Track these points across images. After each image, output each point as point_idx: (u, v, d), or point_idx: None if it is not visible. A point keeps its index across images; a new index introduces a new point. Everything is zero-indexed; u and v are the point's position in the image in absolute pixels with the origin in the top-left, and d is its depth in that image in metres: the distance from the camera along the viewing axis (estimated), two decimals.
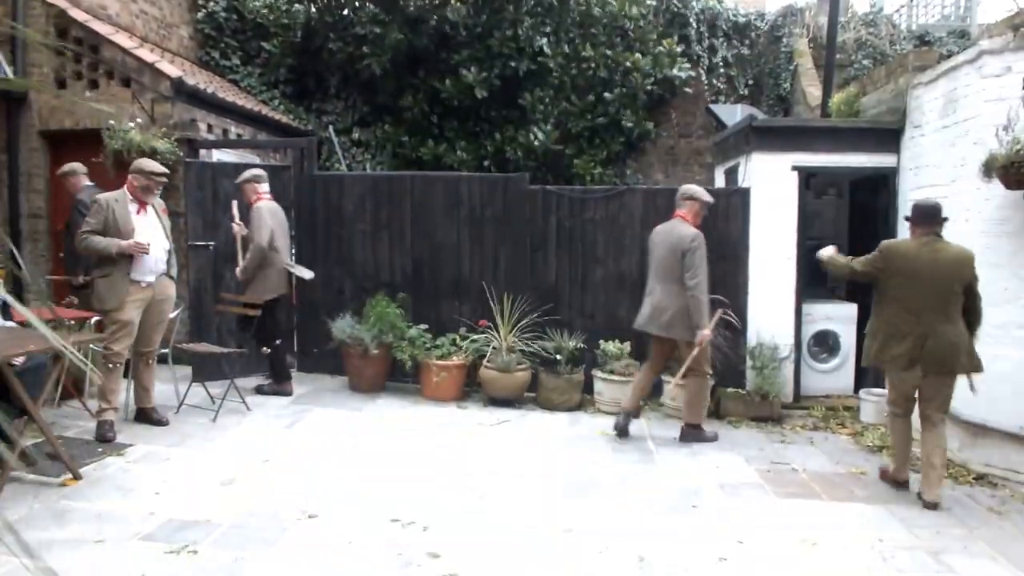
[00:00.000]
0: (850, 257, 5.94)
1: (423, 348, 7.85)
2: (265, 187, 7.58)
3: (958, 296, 5.33)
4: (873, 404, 7.57)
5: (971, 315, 5.42)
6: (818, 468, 6.17)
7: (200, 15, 11.81)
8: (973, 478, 6.02)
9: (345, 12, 12.00)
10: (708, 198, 6.69)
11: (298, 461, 5.78)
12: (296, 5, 12.03)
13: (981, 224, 6.28)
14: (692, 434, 6.80)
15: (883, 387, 7.72)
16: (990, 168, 5.87)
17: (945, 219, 5.62)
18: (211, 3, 11.85)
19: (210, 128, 9.35)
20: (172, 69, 8.83)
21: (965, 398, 6.33)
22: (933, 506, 5.31)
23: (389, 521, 4.69)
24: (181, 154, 8.36)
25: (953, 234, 6.62)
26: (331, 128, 11.62)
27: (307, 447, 6.14)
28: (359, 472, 5.59)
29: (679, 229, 6.53)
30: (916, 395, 5.57)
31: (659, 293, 6.58)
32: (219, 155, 9.56)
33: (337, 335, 7.93)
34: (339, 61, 11.92)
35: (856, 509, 5.28)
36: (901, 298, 5.42)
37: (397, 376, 8.11)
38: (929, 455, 5.42)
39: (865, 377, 8.14)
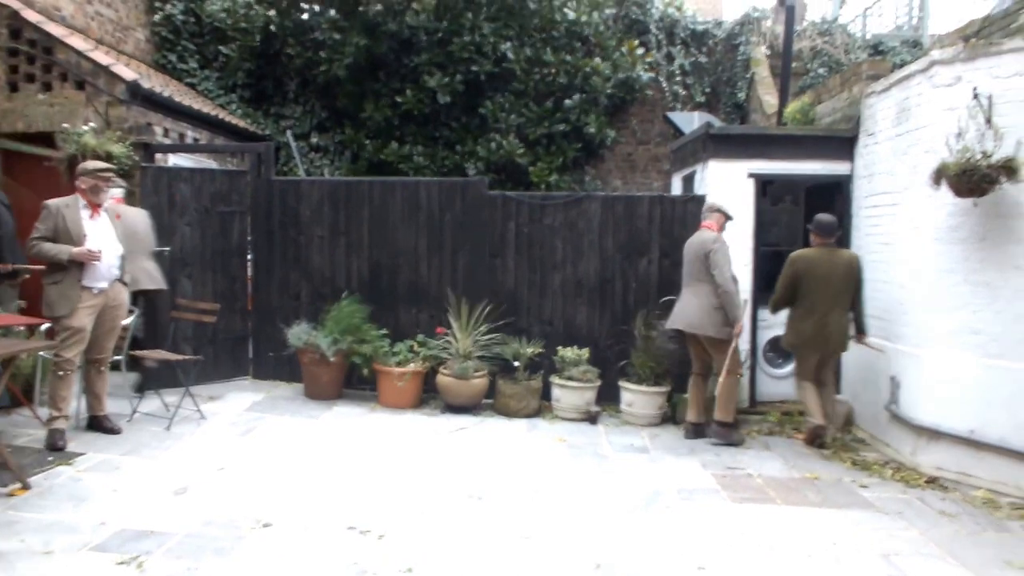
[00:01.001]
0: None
1: (381, 354, 7.82)
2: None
3: (849, 292, 6.84)
4: None
5: (857, 307, 6.98)
6: (773, 473, 6.25)
7: (157, 18, 11.66)
8: (925, 481, 6.13)
9: (305, 17, 11.94)
10: (730, 212, 7.25)
11: (253, 469, 5.73)
12: (255, 9, 11.92)
13: (933, 231, 6.42)
14: (722, 433, 7.01)
15: (840, 393, 7.90)
16: (941, 176, 6.00)
17: (840, 231, 7.21)
18: (168, 6, 11.71)
19: (166, 132, 9.24)
20: (128, 72, 8.71)
21: (918, 403, 6.50)
22: (823, 429, 6.89)
23: (346, 529, 4.67)
24: (137, 158, 8.24)
25: (905, 241, 6.81)
26: (289, 133, 11.55)
27: (262, 455, 6.08)
28: (315, 480, 5.56)
29: (704, 235, 7.04)
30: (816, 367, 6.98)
31: (687, 293, 7.05)
32: (175, 160, 9.46)
33: (293, 341, 7.88)
34: (298, 66, 11.87)
35: (810, 513, 5.36)
36: (809, 295, 6.86)
37: (354, 383, 8.07)
38: (826, 405, 7.02)
39: None
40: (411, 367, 7.78)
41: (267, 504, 5.02)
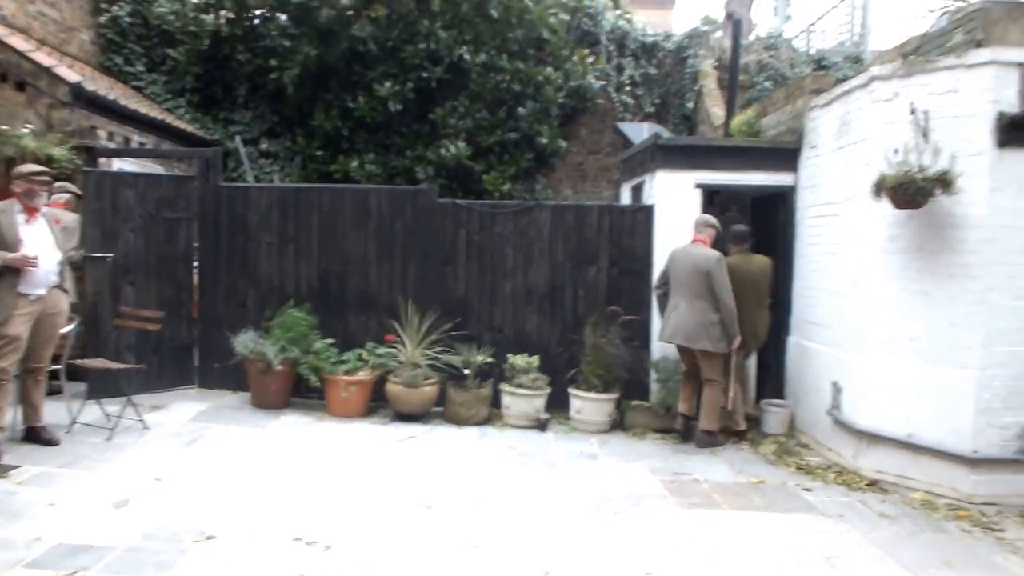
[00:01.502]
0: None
1: (329, 363, 7.75)
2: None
3: (765, 292, 7.48)
4: (774, 415, 7.84)
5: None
6: (719, 478, 6.35)
7: (103, 19, 11.44)
8: (866, 484, 6.28)
9: (256, 22, 11.80)
10: (719, 226, 7.51)
11: (197, 480, 5.63)
12: (204, 15, 11.74)
13: (872, 241, 6.59)
14: (707, 440, 7.21)
15: (783, 398, 8.06)
16: (880, 188, 6.16)
17: (754, 238, 7.78)
18: (115, 7, 11.48)
19: (111, 136, 9.06)
20: (71, 74, 8.53)
21: (858, 408, 6.66)
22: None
23: (292, 540, 4.62)
24: (79, 162, 8.07)
25: (846, 250, 6.98)
26: (238, 139, 11.39)
27: (207, 466, 5.98)
28: (261, 491, 5.48)
29: (702, 251, 7.19)
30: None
31: (684, 308, 7.13)
32: (120, 164, 9.26)
33: (240, 350, 7.77)
34: (248, 72, 11.73)
35: (755, 518, 5.45)
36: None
37: (302, 392, 7.99)
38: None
39: (766, 389, 8.44)
40: (360, 376, 7.73)
41: (211, 516, 4.93)
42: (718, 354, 7.13)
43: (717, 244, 7.38)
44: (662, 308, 7.57)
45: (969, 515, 5.64)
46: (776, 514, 5.53)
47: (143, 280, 8.12)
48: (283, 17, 11.37)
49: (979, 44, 6.55)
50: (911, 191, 5.93)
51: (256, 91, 11.97)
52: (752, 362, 8.36)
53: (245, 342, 7.79)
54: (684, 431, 7.45)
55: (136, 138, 9.66)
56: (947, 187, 5.88)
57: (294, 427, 7.29)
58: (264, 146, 11.85)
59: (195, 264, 8.55)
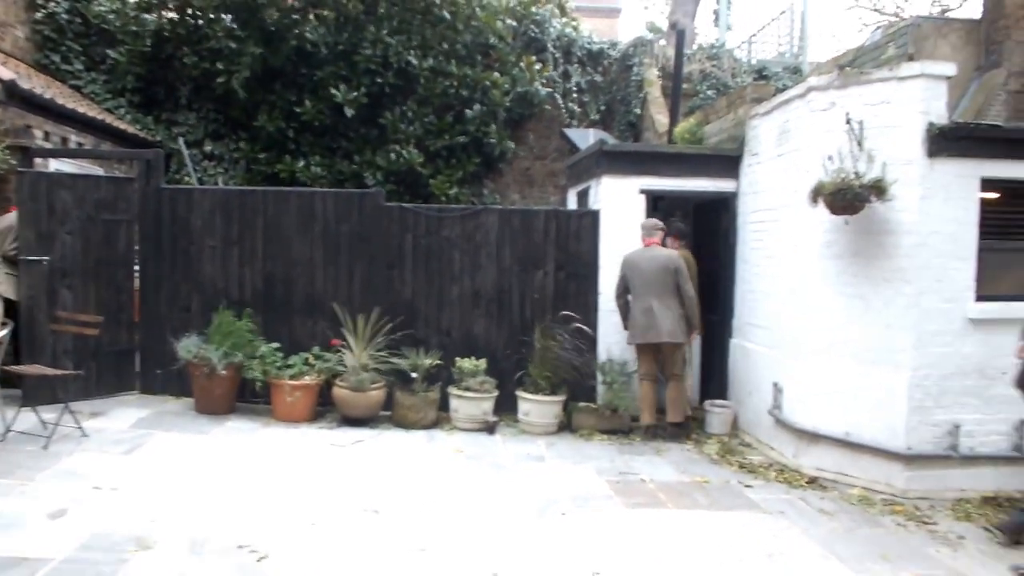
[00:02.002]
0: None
1: (275, 367, 7.67)
2: None
3: (674, 286, 7.47)
4: (717, 415, 8.01)
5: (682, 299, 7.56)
6: (664, 478, 6.45)
7: (39, 15, 11.11)
8: (806, 482, 6.46)
9: (200, 23, 11.60)
10: (666, 228, 7.90)
11: (138, 488, 5.50)
12: (146, 14, 11.51)
13: (810, 246, 6.79)
14: (678, 431, 7.65)
15: (726, 399, 8.23)
16: (818, 194, 6.37)
17: (663, 230, 7.78)
18: (52, 4, 11.17)
19: (47, 136, 8.82)
20: (3, 71, 8.28)
21: (798, 408, 6.84)
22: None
23: (235, 548, 4.56)
24: (14, 163, 7.84)
25: (786, 255, 7.18)
26: (181, 140, 11.19)
27: (148, 473, 5.86)
28: (205, 498, 5.39)
29: (663, 252, 7.62)
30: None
31: (657, 307, 7.44)
32: (57, 165, 9.02)
33: (183, 354, 7.63)
34: (192, 73, 11.53)
35: (699, 516, 5.57)
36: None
37: (247, 397, 7.89)
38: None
39: (710, 390, 8.61)
40: (306, 380, 7.66)
41: (152, 525, 4.84)
42: (682, 346, 7.58)
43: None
44: (625, 314, 7.72)
45: (904, 510, 5.86)
46: (720, 512, 5.65)
47: (81, 284, 7.91)
48: (228, 18, 11.20)
49: (911, 58, 6.82)
50: (847, 198, 6.15)
51: (200, 92, 11.77)
52: (696, 364, 8.54)
53: (188, 347, 7.65)
54: (653, 436, 7.67)
55: (74, 138, 9.42)
56: (881, 194, 6.11)
57: (239, 433, 7.19)
58: (208, 148, 11.66)
59: (136, 268, 8.37)
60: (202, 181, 11.15)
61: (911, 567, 4.80)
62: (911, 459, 6.20)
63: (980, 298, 6.35)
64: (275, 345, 7.88)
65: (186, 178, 10.90)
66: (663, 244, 7.75)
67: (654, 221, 7.83)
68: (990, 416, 6.34)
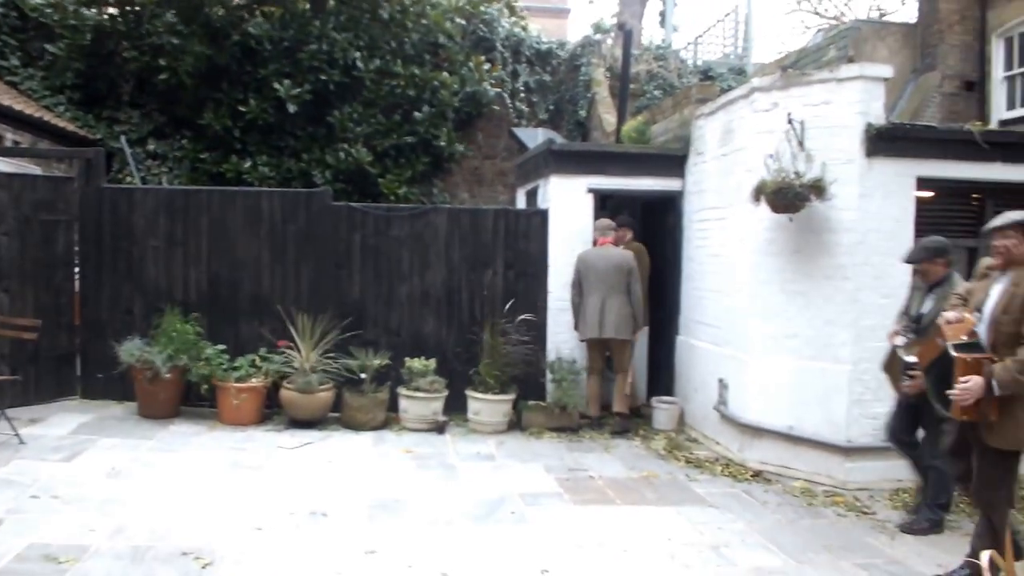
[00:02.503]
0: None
1: (220, 370, 7.56)
2: None
3: (625, 285, 7.66)
4: (664, 411, 8.11)
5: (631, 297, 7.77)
6: (613, 474, 6.53)
7: None
8: (751, 475, 6.58)
9: (141, 18, 11.34)
10: (617, 228, 8.07)
11: (78, 496, 5.36)
12: (85, 9, 11.21)
13: (753, 244, 6.91)
14: (624, 423, 7.89)
15: (673, 395, 8.35)
16: (760, 193, 6.49)
17: (615, 230, 7.95)
18: None
19: None
20: None
21: (743, 403, 6.96)
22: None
23: (179, 555, 4.48)
24: None
25: (730, 253, 7.30)
26: (124, 139, 10.94)
27: (89, 481, 5.71)
28: (147, 504, 5.29)
29: (617, 251, 7.84)
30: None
31: (610, 304, 7.64)
32: None
33: (125, 358, 7.45)
34: (134, 69, 11.28)
35: (647, 511, 5.64)
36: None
37: (193, 400, 7.75)
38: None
39: (657, 386, 8.72)
40: (252, 382, 7.56)
41: (92, 533, 4.72)
42: (629, 343, 7.81)
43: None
44: (577, 310, 7.84)
45: (845, 500, 6.01)
46: (667, 507, 5.74)
47: (18, 287, 7.70)
48: (171, 13, 10.97)
49: (851, 60, 6.97)
50: (788, 197, 6.27)
51: (143, 89, 11.52)
52: (643, 361, 8.65)
53: (131, 350, 7.49)
54: (600, 427, 7.92)
55: (10, 136, 9.18)
56: (821, 193, 6.25)
57: (184, 437, 7.06)
58: (151, 147, 11.41)
59: (76, 269, 8.17)
60: (145, 181, 10.92)
61: (852, 556, 4.92)
62: (851, 451, 6.36)
63: None
64: (221, 347, 7.76)
65: (128, 177, 10.66)
66: (615, 242, 7.93)
67: (607, 221, 7.97)
68: None
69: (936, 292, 5.27)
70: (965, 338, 4.21)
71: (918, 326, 5.29)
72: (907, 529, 5.42)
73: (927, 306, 5.30)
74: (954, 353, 4.15)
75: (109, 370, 7.76)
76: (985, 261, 4.66)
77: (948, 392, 4.15)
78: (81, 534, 4.71)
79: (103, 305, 8.10)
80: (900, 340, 5.32)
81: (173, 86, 10.93)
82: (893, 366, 5.42)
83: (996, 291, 4.31)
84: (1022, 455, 4.40)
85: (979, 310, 4.35)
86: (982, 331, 4.26)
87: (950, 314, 4.39)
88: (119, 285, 8.11)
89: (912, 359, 5.09)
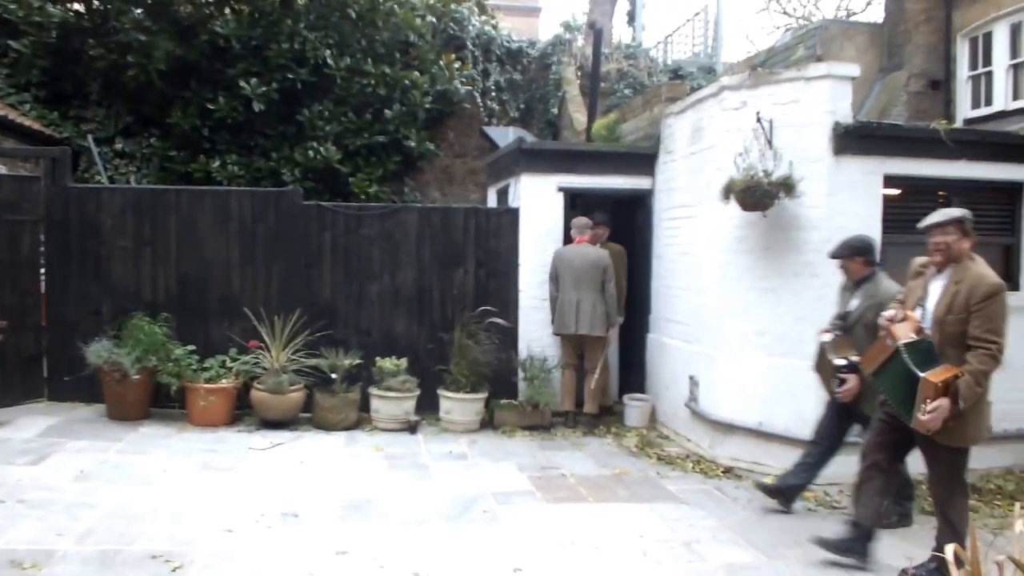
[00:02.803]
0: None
1: (190, 371, 7.48)
2: None
3: (600, 283, 7.76)
4: (636, 408, 8.17)
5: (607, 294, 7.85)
6: (585, 472, 6.56)
7: None
8: (722, 471, 6.63)
9: (108, 15, 11.16)
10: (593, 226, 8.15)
11: (45, 501, 5.26)
12: (51, 5, 11.02)
13: (723, 241, 6.96)
14: (594, 421, 8.01)
15: (644, 393, 8.39)
16: (729, 191, 6.54)
17: (593, 229, 8.03)
18: None
19: None
20: None
21: (714, 400, 7.01)
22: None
23: (149, 558, 4.42)
24: None
25: (700, 250, 7.34)
26: (91, 137, 10.77)
27: (57, 484, 5.61)
28: (115, 507, 5.22)
29: (593, 250, 7.92)
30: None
31: (588, 301, 7.74)
32: None
33: (93, 359, 7.35)
34: (102, 67, 11.11)
35: (619, 509, 5.67)
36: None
37: (162, 402, 7.67)
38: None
39: (629, 384, 8.76)
40: (223, 383, 7.49)
41: (60, 537, 4.65)
42: (603, 339, 7.90)
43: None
44: (554, 306, 7.92)
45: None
46: (639, 504, 5.77)
47: None
48: (138, 11, 10.81)
49: (819, 59, 7.03)
50: (757, 195, 6.33)
51: (110, 87, 11.34)
52: (615, 358, 8.69)
53: (99, 351, 7.39)
54: (573, 423, 8.02)
55: None
56: (790, 191, 6.30)
57: (153, 439, 6.98)
58: (119, 146, 11.25)
59: (43, 270, 8.05)
60: (113, 180, 10.77)
61: (824, 551, 4.97)
62: None
63: None
64: (190, 348, 7.69)
65: (96, 177, 10.51)
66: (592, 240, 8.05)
67: (585, 220, 8.04)
68: None
69: (861, 290, 5.35)
70: (915, 336, 4.22)
71: (844, 323, 5.37)
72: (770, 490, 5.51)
73: (853, 304, 5.38)
74: (919, 373, 4.12)
75: (77, 372, 7.64)
76: (918, 260, 4.68)
77: (918, 415, 4.14)
78: (48, 539, 4.63)
79: (70, 306, 7.98)
80: (826, 337, 5.38)
81: (141, 84, 10.77)
82: (823, 365, 5.47)
83: (936, 289, 4.33)
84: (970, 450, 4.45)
85: (920, 307, 4.38)
86: (925, 325, 4.29)
87: (890, 312, 4.42)
88: (86, 286, 8.00)
89: (841, 362, 5.18)
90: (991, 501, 6.09)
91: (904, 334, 4.22)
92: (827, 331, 5.44)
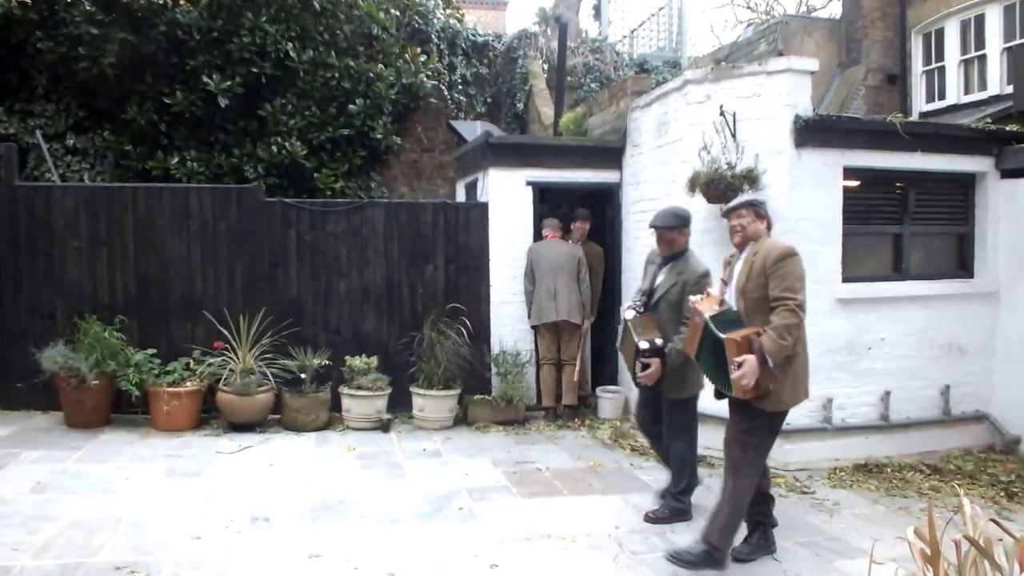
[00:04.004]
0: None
1: (151, 375, 7.30)
2: None
3: (575, 272, 7.97)
4: (609, 400, 8.21)
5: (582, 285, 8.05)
6: (560, 465, 6.56)
7: None
8: None
9: (56, 6, 10.81)
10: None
11: (0, 515, 5.07)
12: None
13: (690, 235, 6.96)
14: (573, 412, 8.18)
15: (617, 385, 8.40)
16: (694, 184, 6.59)
17: (575, 222, 8.31)
18: None
19: None
20: None
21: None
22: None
23: (112, 570, 4.29)
24: None
25: None
26: (39, 133, 10.43)
27: (11, 497, 5.41)
28: (77, 518, 5.05)
29: (564, 245, 8.16)
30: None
31: (560, 289, 7.91)
32: None
33: (48, 366, 7.10)
34: (50, 60, 10.77)
35: (594, 501, 5.70)
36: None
37: (124, 408, 7.47)
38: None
39: (602, 376, 8.76)
40: (187, 386, 7.32)
41: (16, 553, 4.48)
42: (579, 329, 8.08)
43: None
44: (531, 300, 8.00)
45: (785, 481, 6.16)
46: (614, 496, 5.80)
47: None
48: (87, 1, 10.47)
49: (780, 54, 7.10)
50: (721, 187, 6.39)
51: (59, 81, 10.99)
52: (588, 351, 8.70)
53: (54, 357, 7.14)
54: (555, 417, 8.12)
55: None
56: (753, 183, 6.38)
57: (115, 446, 6.78)
58: (71, 142, 10.90)
59: None
60: (65, 178, 10.46)
61: (794, 535, 5.05)
62: (790, 433, 6.46)
63: (846, 279, 6.79)
64: (151, 351, 7.51)
65: (47, 174, 10.18)
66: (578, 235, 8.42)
67: (555, 220, 8.24)
68: (859, 389, 6.81)
69: (669, 266, 5.22)
70: (717, 308, 4.33)
71: (648, 300, 5.25)
72: (650, 518, 5.31)
73: (659, 280, 5.24)
74: (721, 335, 4.16)
75: (31, 379, 7.40)
76: (726, 254, 4.90)
77: (732, 380, 4.15)
78: (3, 555, 4.45)
79: (21, 310, 7.72)
80: (630, 314, 5.20)
81: (93, 77, 10.47)
82: (627, 344, 5.26)
83: (739, 266, 4.53)
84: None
85: (726, 286, 4.62)
86: (731, 301, 4.46)
87: (695, 297, 4.54)
88: (38, 289, 7.75)
89: (644, 345, 4.98)
90: (950, 481, 6.24)
91: (708, 307, 4.33)
92: (631, 307, 5.26)
